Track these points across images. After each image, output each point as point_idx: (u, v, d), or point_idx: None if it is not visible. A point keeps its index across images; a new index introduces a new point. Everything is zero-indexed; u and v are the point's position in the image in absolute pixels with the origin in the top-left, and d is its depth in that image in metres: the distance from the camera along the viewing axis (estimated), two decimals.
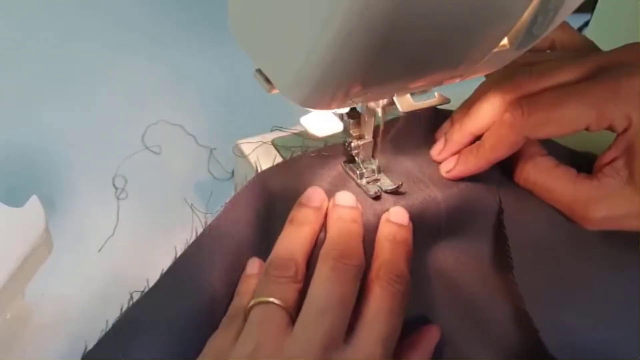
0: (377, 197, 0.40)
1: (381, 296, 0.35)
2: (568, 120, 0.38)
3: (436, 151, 0.43)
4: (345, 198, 0.40)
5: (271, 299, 0.35)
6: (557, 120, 0.38)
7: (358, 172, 0.41)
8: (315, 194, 0.40)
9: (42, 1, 0.80)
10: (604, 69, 0.39)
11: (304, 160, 0.42)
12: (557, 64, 0.41)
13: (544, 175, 0.40)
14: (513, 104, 0.39)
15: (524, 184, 0.41)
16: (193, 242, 0.39)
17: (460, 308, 0.40)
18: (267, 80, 0.34)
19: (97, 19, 0.79)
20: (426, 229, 0.40)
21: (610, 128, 0.38)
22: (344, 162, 0.42)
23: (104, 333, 0.37)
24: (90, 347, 0.36)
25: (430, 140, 0.44)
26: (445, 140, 0.42)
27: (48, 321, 0.46)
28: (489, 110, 0.40)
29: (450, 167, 0.41)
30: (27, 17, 0.79)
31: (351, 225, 0.38)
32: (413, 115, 0.38)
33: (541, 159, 0.41)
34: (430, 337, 0.39)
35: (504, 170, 0.42)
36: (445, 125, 0.44)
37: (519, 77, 0.40)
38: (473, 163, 0.41)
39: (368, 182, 0.41)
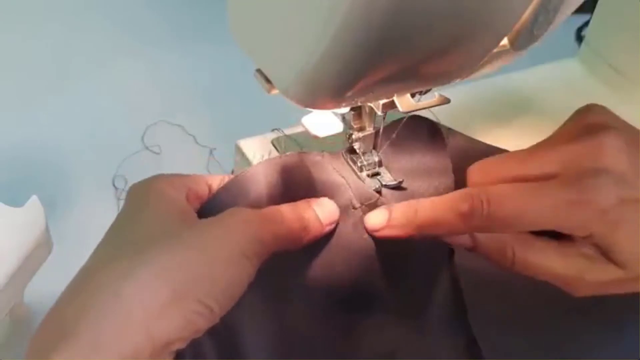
0: (377, 193, 0.40)
1: None
2: (529, 225, 0.34)
3: (375, 225, 0.37)
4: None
5: None
6: (518, 225, 0.34)
7: (359, 163, 0.41)
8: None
9: (43, 2, 0.80)
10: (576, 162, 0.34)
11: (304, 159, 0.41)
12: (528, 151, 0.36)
13: (532, 253, 0.35)
14: (473, 194, 0.33)
15: (510, 265, 0.36)
16: None
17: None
18: (267, 80, 0.34)
19: (97, 20, 0.79)
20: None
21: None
22: (345, 151, 0.42)
23: None
24: None
25: (409, 151, 0.42)
26: (389, 219, 0.36)
27: None
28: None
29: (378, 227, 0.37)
30: (27, 18, 0.79)
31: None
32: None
33: (526, 236, 0.36)
34: None
35: None
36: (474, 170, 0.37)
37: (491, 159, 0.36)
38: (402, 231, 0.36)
39: (368, 175, 0.41)
